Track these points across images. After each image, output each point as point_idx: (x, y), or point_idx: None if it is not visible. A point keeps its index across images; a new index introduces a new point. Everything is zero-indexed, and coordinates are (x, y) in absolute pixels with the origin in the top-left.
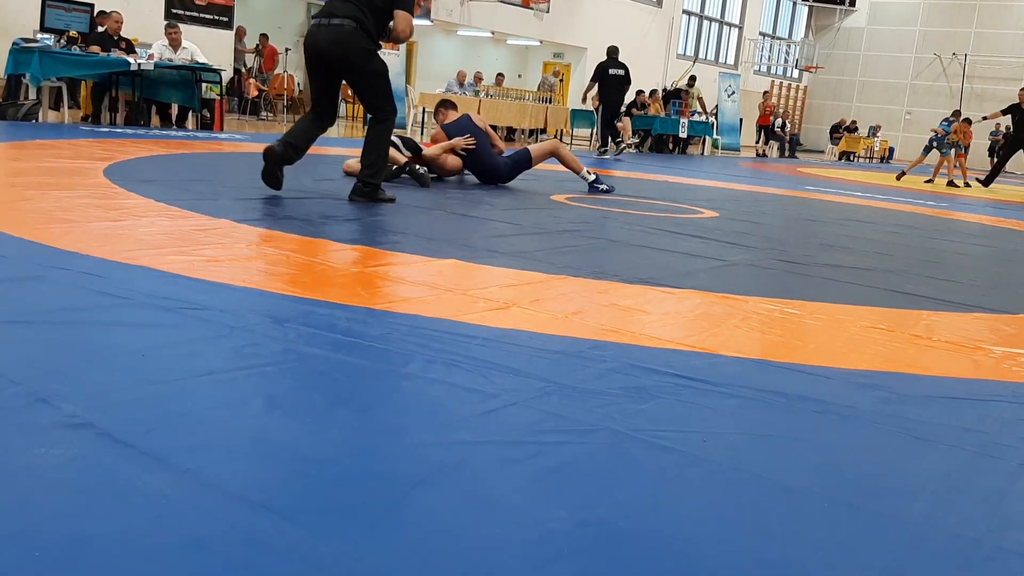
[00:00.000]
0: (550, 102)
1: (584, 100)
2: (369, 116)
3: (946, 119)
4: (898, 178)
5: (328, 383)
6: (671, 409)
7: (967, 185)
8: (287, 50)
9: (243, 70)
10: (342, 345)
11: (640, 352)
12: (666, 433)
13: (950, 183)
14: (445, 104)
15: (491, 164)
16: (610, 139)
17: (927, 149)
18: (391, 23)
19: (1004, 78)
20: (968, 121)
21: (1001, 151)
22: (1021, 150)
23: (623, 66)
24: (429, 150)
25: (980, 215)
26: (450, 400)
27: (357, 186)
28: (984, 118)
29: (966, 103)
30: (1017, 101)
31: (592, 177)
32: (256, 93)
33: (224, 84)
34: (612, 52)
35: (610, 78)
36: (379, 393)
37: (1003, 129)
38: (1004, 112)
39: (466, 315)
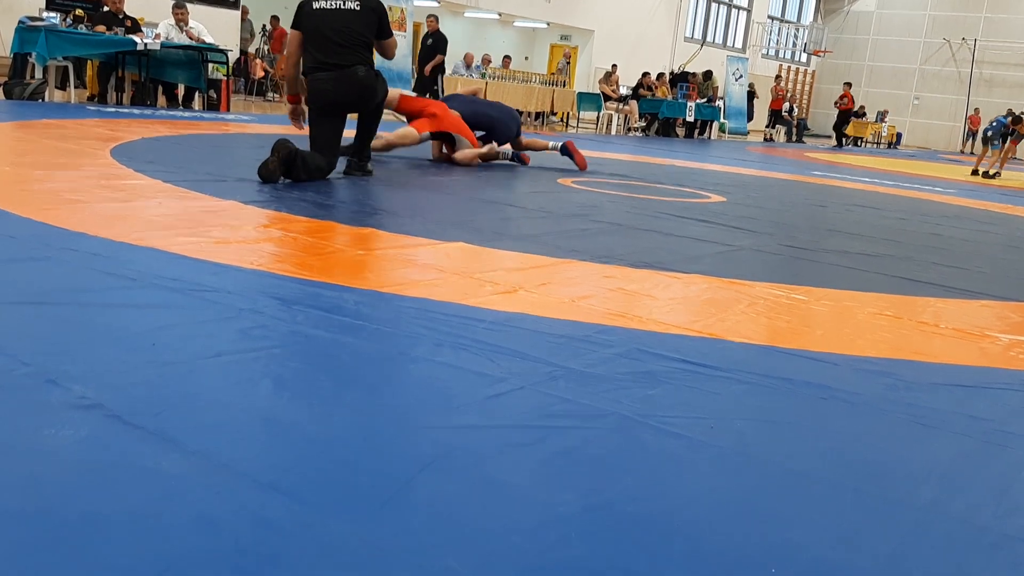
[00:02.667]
0: (565, 86)
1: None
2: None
3: (1000, 116)
4: (983, 175)
5: (336, 365)
6: (678, 394)
7: (998, 174)
8: None
9: (249, 51)
10: (350, 328)
11: (647, 337)
12: (673, 418)
13: (987, 175)
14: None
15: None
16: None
17: (985, 140)
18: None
19: (1014, 63)
20: (1019, 120)
21: None
22: None
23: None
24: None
25: (988, 202)
26: (457, 384)
27: (354, 161)
28: None
29: (975, 88)
30: None
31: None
32: (263, 74)
33: (231, 65)
34: None
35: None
36: (387, 376)
37: None
38: None
39: (473, 298)
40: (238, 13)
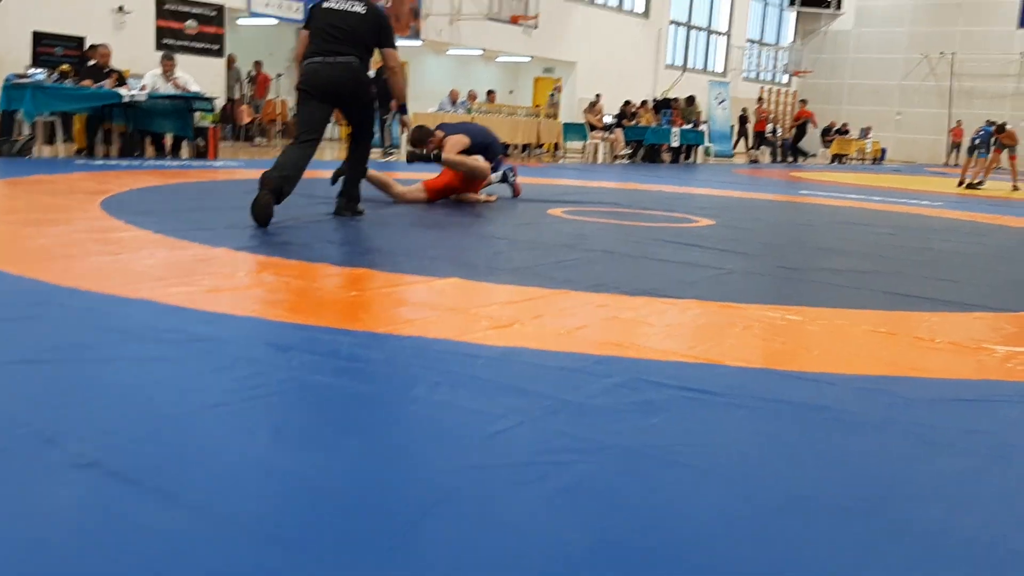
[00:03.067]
0: (556, 118)
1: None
2: (352, 136)
3: (984, 126)
4: (967, 185)
5: (334, 410)
6: (679, 423)
7: (1015, 188)
8: (279, 75)
9: (235, 97)
10: (346, 371)
11: (645, 365)
12: (676, 447)
13: (971, 185)
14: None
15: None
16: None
17: (971, 150)
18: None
19: (992, 75)
20: (1012, 131)
21: None
22: None
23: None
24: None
25: (975, 213)
26: (457, 423)
27: (343, 202)
28: None
29: (956, 101)
30: None
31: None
32: (249, 119)
33: (217, 112)
34: None
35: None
36: (385, 419)
37: None
38: None
39: (469, 335)
40: (223, 61)
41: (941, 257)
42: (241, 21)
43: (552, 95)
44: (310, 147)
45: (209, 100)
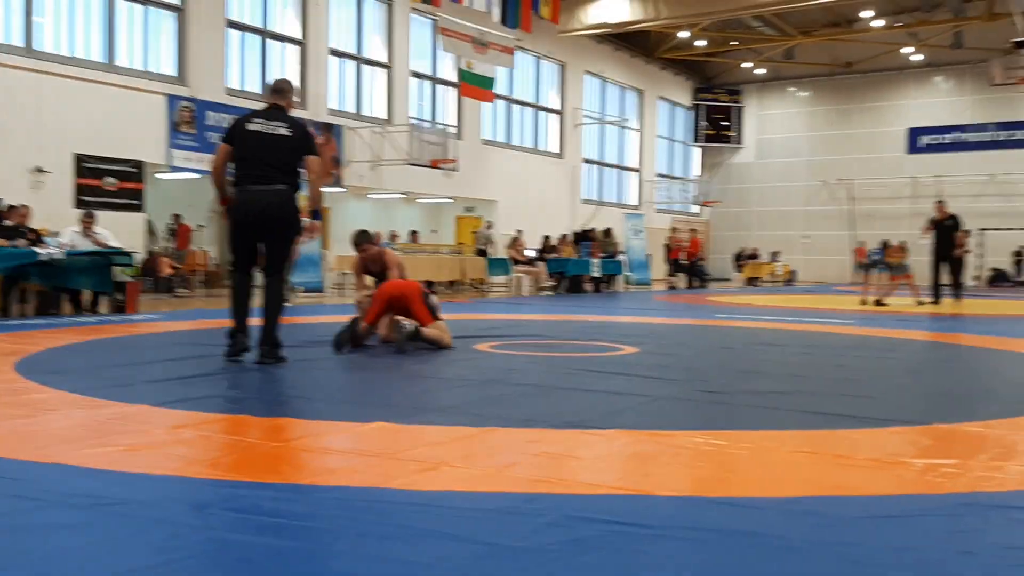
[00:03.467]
0: (485, 255)
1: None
2: (267, 272)
3: (877, 250)
4: (875, 303)
5: (255, 571)
6: (611, 559)
7: (919, 303)
8: (200, 226)
9: (156, 249)
10: (267, 528)
11: (575, 501)
12: None
13: (878, 302)
14: (362, 238)
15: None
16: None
17: (867, 268)
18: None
19: (887, 198)
20: (897, 247)
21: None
22: (945, 262)
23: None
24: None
25: (884, 328)
26: None
27: (266, 349)
28: (922, 237)
29: (858, 223)
30: (935, 215)
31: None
32: (170, 271)
33: (137, 265)
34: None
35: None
36: None
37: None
38: (931, 226)
39: (395, 480)
40: (143, 216)
41: (855, 374)
42: (160, 175)
43: (483, 231)
44: (247, 279)
45: (128, 255)
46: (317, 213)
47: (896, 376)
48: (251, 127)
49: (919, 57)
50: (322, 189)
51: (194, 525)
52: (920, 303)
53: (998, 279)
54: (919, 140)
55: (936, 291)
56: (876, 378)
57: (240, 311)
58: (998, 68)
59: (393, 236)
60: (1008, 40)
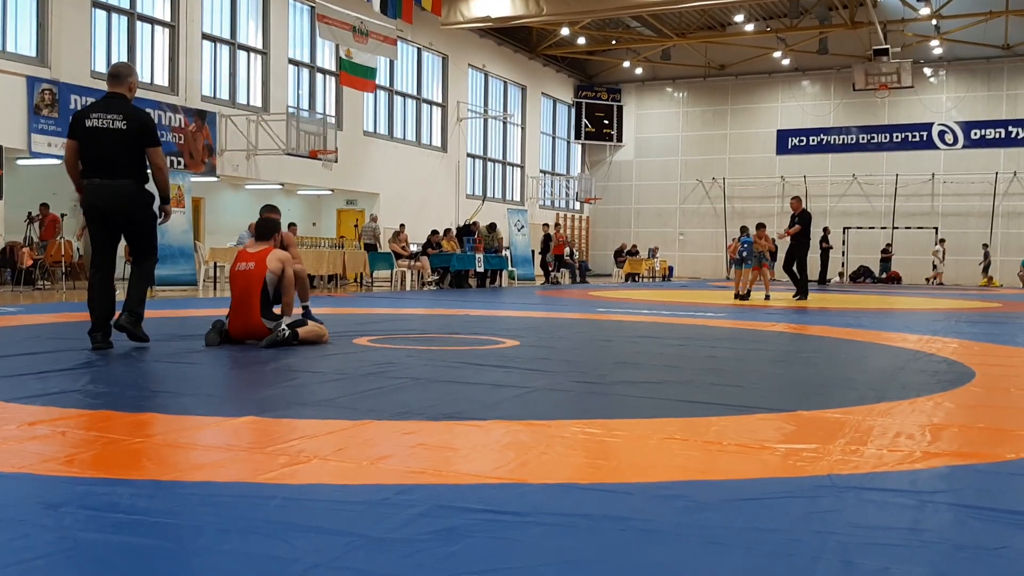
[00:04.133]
0: (376, 249)
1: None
2: (135, 258)
3: (743, 237)
4: (737, 296)
5: (110, 570)
6: (482, 547)
7: (767, 297)
8: (63, 215)
9: (17, 240)
10: (124, 525)
11: (449, 491)
12: (477, 574)
13: (740, 296)
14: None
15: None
16: None
17: (738, 263)
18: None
19: (758, 196)
20: (762, 226)
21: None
22: (814, 255)
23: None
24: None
25: (753, 321)
26: (247, 572)
27: (124, 316)
28: (782, 234)
29: (730, 220)
30: (792, 211)
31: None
32: (31, 262)
33: None
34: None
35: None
36: (168, 575)
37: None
38: (793, 223)
39: (264, 475)
40: (1, 204)
41: (725, 364)
42: (21, 162)
43: (369, 224)
44: (108, 275)
45: None
46: (165, 201)
47: (763, 366)
48: (88, 123)
49: (787, 62)
50: (168, 178)
51: (45, 524)
52: (767, 297)
53: (861, 275)
54: (788, 141)
55: (799, 285)
56: (745, 368)
57: (96, 307)
58: (861, 74)
59: (290, 226)
60: (870, 47)
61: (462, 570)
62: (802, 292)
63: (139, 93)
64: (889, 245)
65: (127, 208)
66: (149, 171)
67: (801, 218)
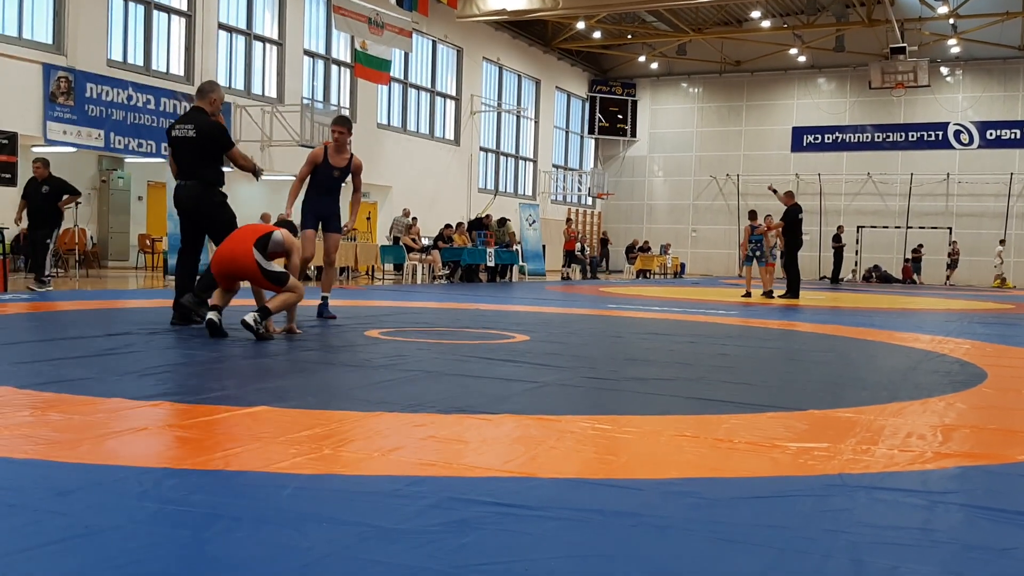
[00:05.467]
0: (398, 243)
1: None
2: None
3: (752, 225)
4: (763, 294)
5: (121, 557)
6: (492, 539)
7: (769, 295)
8: (77, 204)
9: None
10: (135, 512)
11: (459, 483)
12: (487, 566)
13: (759, 294)
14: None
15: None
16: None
17: (749, 260)
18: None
19: (771, 193)
20: (769, 217)
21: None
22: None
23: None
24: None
25: (765, 319)
26: (260, 560)
27: (188, 296)
28: (762, 228)
29: (743, 218)
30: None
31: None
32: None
33: (8, 242)
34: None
35: None
36: (180, 563)
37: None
38: (782, 219)
39: (277, 464)
40: (16, 190)
41: (736, 362)
42: (36, 149)
43: (400, 218)
44: (190, 256)
45: None
46: (252, 170)
47: (773, 364)
48: (174, 133)
49: (803, 59)
50: (248, 162)
51: (56, 511)
52: (768, 295)
53: (871, 275)
54: (803, 139)
55: (792, 284)
56: (755, 366)
57: (180, 283)
58: (877, 72)
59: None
60: (887, 46)
61: (473, 562)
62: (792, 291)
63: (152, 82)
64: (920, 246)
65: (197, 204)
66: (228, 169)
67: (785, 214)
